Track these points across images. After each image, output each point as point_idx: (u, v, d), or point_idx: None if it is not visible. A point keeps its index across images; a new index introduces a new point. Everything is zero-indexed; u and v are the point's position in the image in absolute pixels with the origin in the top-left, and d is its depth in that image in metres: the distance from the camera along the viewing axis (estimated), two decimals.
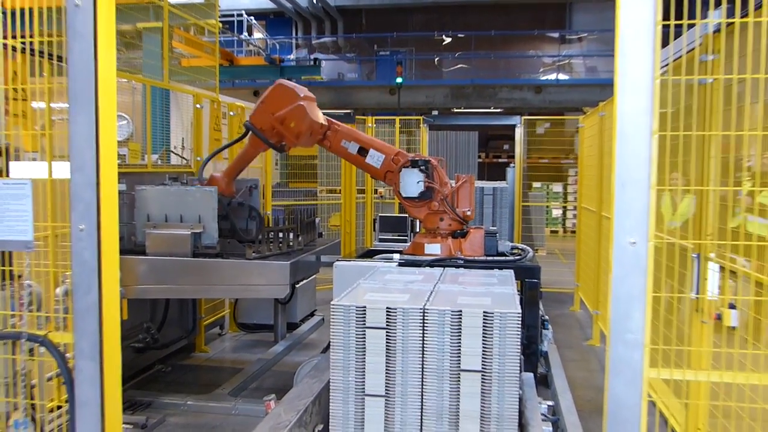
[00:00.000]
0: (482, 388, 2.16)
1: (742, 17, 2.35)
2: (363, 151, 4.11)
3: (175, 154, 6.02)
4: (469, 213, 3.98)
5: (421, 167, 3.93)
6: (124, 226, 4.18)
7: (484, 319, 2.17)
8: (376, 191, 9.26)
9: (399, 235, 6.04)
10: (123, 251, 3.79)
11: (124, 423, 3.29)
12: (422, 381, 2.22)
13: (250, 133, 4.07)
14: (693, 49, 3.15)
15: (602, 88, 15.34)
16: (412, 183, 3.93)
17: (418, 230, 5.28)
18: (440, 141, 10.69)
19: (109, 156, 1.95)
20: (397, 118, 9.22)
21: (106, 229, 1.95)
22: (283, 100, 3.97)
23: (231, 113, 6.27)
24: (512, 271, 3.13)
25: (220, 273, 3.91)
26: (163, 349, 5.30)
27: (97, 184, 1.94)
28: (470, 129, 11.30)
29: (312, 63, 16.55)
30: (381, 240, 5.88)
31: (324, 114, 4.23)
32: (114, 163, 1.96)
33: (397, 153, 4.08)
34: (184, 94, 5.92)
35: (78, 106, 2.04)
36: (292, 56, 19.44)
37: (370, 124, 8.88)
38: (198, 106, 5.76)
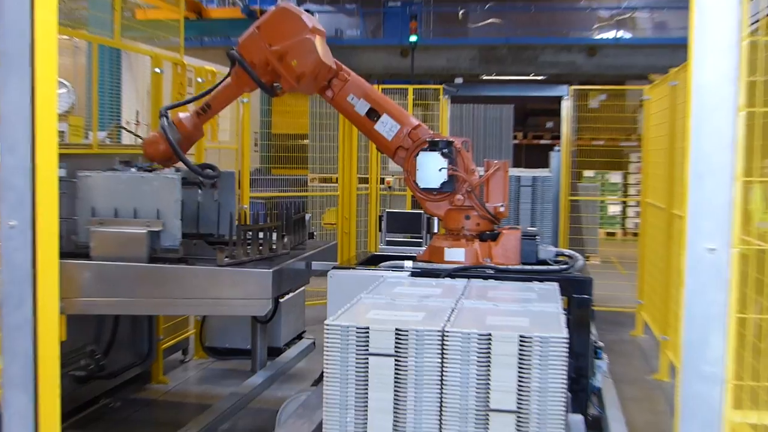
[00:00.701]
0: None
1: None
2: (373, 114, 4.08)
3: (128, 131, 6.06)
4: (502, 209, 3.98)
5: (443, 150, 3.92)
6: (63, 222, 4.20)
7: (520, 345, 2.18)
8: (382, 180, 9.27)
9: (411, 237, 6.05)
10: (61, 254, 3.82)
11: None
12: (440, 423, 2.23)
13: (235, 66, 4.05)
14: None
15: (674, 50, 15.24)
16: (433, 170, 3.93)
17: (436, 230, 5.30)
18: (465, 117, 10.69)
19: (47, 133, 1.97)
20: (410, 87, 9.23)
21: (44, 225, 1.97)
22: (287, 29, 3.93)
23: (199, 80, 6.29)
24: (557, 284, 3.13)
25: (184, 283, 3.93)
26: (110, 378, 5.33)
27: (33, 168, 1.96)
28: (504, 101, 11.30)
29: None
30: (389, 243, 5.89)
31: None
32: (54, 141, 1.99)
33: (417, 126, 4.05)
34: (140, 56, 5.95)
35: (9, 69, 2.05)
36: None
37: None
38: (157, 70, 5.78)
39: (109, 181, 4.11)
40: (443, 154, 3.93)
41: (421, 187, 3.97)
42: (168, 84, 5.93)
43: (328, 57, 4.05)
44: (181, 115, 4.30)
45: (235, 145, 7.05)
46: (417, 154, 3.96)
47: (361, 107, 4.09)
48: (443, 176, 3.93)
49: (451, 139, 4.00)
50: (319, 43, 3.98)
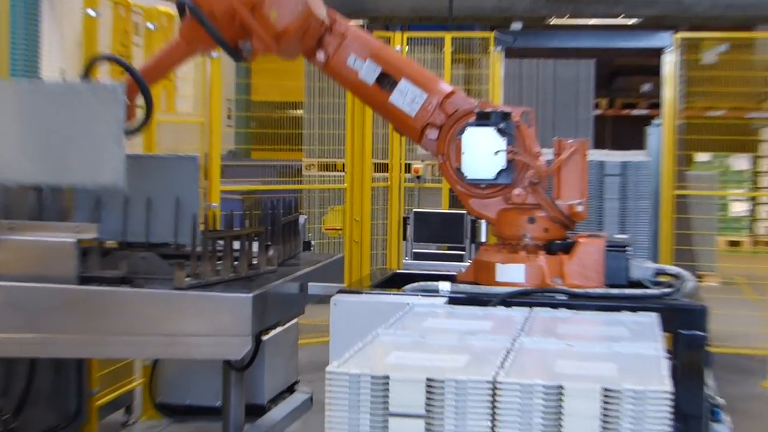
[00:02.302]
0: None
1: None
2: (386, 81, 4.11)
3: None
4: (579, 208, 3.98)
5: (500, 126, 3.91)
6: None
7: (604, 401, 2.18)
8: (408, 168, 9.28)
9: (449, 248, 6.04)
10: None
11: None
12: None
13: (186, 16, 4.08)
14: None
15: None
16: (486, 154, 3.92)
17: (484, 239, 5.29)
18: (525, 78, 10.69)
19: None
20: (448, 36, 9.24)
21: None
22: None
23: (150, 25, 6.33)
24: (656, 314, 3.12)
25: (128, 313, 3.95)
26: None
27: None
28: (580, 56, 11.27)
29: None
30: (417, 256, 5.89)
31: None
32: None
33: (450, 94, 4.07)
34: None
35: None
36: None
37: (398, 46, 8.92)
38: (91, 12, 5.82)
39: None
40: (500, 131, 3.91)
41: (469, 177, 3.97)
42: (106, 31, 5.96)
43: (318, 5, 4.08)
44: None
45: (200, 117, 7.08)
46: (462, 131, 3.96)
47: (369, 73, 4.10)
48: (501, 162, 3.91)
49: (507, 110, 4.00)
50: None
